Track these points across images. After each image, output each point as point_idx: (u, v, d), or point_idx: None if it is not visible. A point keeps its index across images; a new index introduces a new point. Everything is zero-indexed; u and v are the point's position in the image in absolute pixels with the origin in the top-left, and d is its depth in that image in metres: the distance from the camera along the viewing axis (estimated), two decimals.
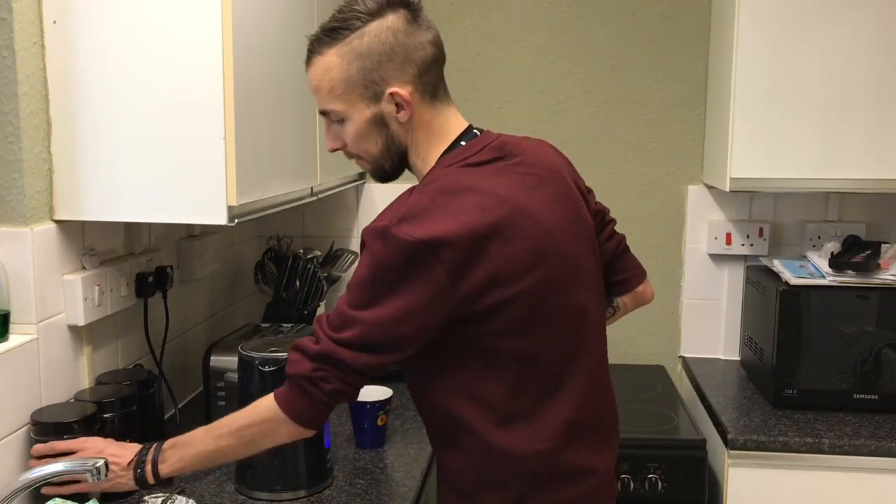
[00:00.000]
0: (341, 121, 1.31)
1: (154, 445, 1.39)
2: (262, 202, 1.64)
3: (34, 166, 1.48)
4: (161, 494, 1.45)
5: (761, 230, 2.44)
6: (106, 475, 1.28)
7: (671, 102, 2.48)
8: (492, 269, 1.20)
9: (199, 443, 1.35)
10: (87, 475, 1.27)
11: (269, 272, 2.37)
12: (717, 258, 2.49)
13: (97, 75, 1.48)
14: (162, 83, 1.47)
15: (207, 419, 1.85)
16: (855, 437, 1.93)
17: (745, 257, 2.46)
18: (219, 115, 1.46)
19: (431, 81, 1.29)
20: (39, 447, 1.42)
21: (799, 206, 2.45)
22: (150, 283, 1.78)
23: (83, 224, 1.60)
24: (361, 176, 2.57)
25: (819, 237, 2.41)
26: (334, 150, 1.37)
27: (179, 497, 1.44)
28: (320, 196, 2.07)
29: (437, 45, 1.30)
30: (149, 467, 1.37)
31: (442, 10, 2.50)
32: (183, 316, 2.06)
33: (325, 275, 2.38)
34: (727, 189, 2.16)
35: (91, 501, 1.41)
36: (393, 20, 1.25)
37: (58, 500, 1.42)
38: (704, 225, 2.48)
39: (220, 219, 1.48)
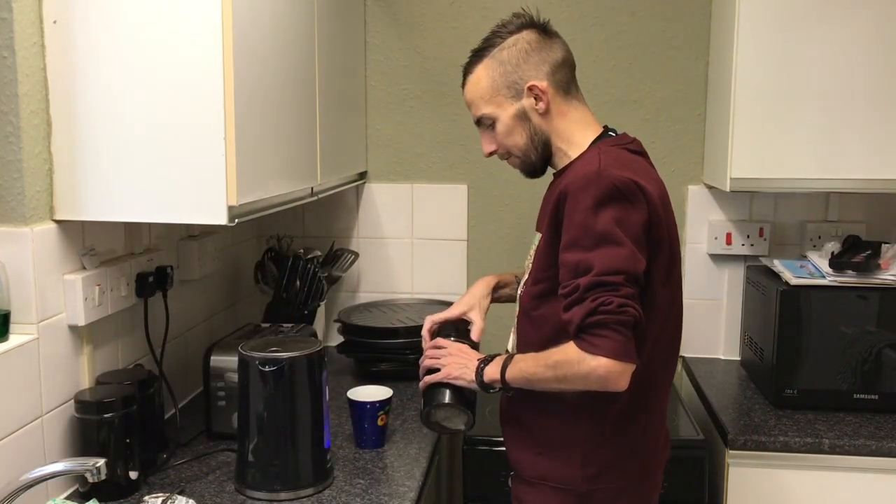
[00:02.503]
0: (492, 124, 1.56)
1: (501, 355, 1.54)
2: (262, 202, 1.64)
3: (34, 166, 1.48)
4: (161, 494, 1.45)
5: (761, 230, 2.44)
6: (106, 475, 1.29)
7: (671, 102, 2.47)
8: (664, 226, 1.44)
9: (525, 362, 1.48)
10: (87, 475, 1.28)
11: (269, 272, 2.37)
12: (717, 258, 2.49)
13: (97, 75, 1.48)
14: (162, 83, 1.47)
15: (207, 419, 1.85)
16: (855, 437, 1.93)
17: (745, 257, 2.46)
18: (219, 116, 1.45)
19: (563, 79, 1.54)
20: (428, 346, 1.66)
21: (799, 206, 2.45)
22: (151, 283, 1.78)
23: (83, 224, 1.60)
24: (361, 176, 2.57)
25: (819, 237, 2.41)
26: (490, 154, 1.61)
27: (179, 497, 1.44)
28: (320, 196, 2.07)
29: (566, 51, 1.57)
30: (492, 368, 1.52)
31: (442, 10, 2.50)
32: (183, 316, 2.06)
33: (326, 275, 2.39)
34: (727, 189, 2.16)
35: (91, 501, 1.41)
36: (527, 34, 1.54)
37: (57, 500, 1.42)
38: (704, 225, 2.48)
39: (220, 219, 1.48)
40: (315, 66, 1.98)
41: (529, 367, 1.46)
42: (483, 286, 1.77)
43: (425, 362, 1.63)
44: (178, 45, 1.45)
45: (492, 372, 1.51)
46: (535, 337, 1.51)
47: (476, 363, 1.55)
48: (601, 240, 1.36)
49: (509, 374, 1.48)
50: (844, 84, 2.08)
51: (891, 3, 2.04)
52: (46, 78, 1.49)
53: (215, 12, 1.43)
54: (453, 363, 1.58)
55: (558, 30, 1.58)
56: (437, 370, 1.59)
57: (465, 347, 1.62)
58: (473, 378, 1.54)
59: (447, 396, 1.58)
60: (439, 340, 1.65)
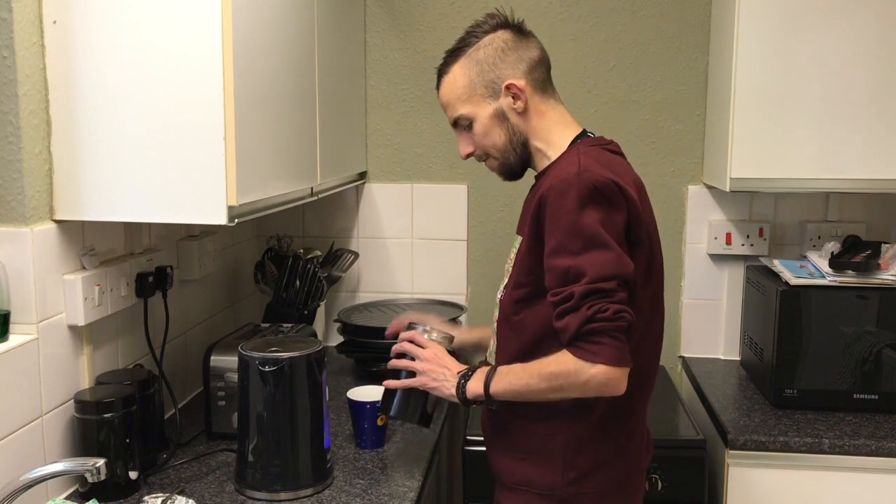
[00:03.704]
0: (469, 125, 1.54)
1: (482, 368, 1.51)
2: (262, 202, 1.64)
3: (34, 166, 1.48)
4: (161, 494, 1.45)
5: (761, 230, 2.44)
6: (105, 475, 1.29)
7: (671, 102, 2.47)
8: (643, 228, 1.42)
9: (514, 375, 1.45)
10: (87, 475, 1.28)
11: (269, 272, 2.37)
12: (717, 258, 2.49)
13: (97, 75, 1.48)
14: (162, 83, 1.47)
15: (207, 419, 1.85)
16: (855, 437, 1.93)
17: (745, 257, 2.46)
18: (219, 116, 1.45)
19: (540, 78, 1.53)
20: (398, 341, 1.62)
21: (799, 206, 2.45)
22: (150, 283, 1.77)
23: (83, 224, 1.60)
24: (361, 176, 2.57)
25: (819, 237, 2.41)
26: (467, 156, 1.59)
27: (179, 497, 1.44)
28: (320, 196, 2.07)
29: (542, 50, 1.55)
30: (474, 383, 1.48)
31: (442, 10, 2.50)
32: (183, 316, 2.06)
33: (325, 275, 2.39)
34: (727, 189, 2.16)
35: (91, 501, 1.41)
36: (502, 33, 1.52)
37: (57, 500, 1.42)
38: (704, 225, 2.48)
39: (220, 219, 1.48)
40: (315, 66, 1.98)
41: (520, 379, 1.43)
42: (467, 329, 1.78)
43: (399, 363, 1.59)
44: (179, 45, 1.45)
45: (474, 387, 1.48)
46: (515, 342, 1.49)
47: (456, 377, 1.51)
48: (588, 243, 1.34)
49: (494, 388, 1.45)
50: (844, 84, 2.08)
51: (891, 3, 2.04)
52: (46, 78, 1.49)
53: (215, 12, 1.43)
54: (430, 371, 1.54)
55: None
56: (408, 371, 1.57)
57: (441, 352, 1.57)
58: (453, 393, 1.50)
59: (420, 415, 1.58)
60: (414, 334, 1.61)
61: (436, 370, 1.54)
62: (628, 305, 1.35)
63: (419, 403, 1.58)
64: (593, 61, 2.47)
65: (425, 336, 1.61)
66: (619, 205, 1.38)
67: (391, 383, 1.59)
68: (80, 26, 1.47)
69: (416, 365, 1.56)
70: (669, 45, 2.45)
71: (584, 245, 1.34)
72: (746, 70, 2.10)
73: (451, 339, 1.64)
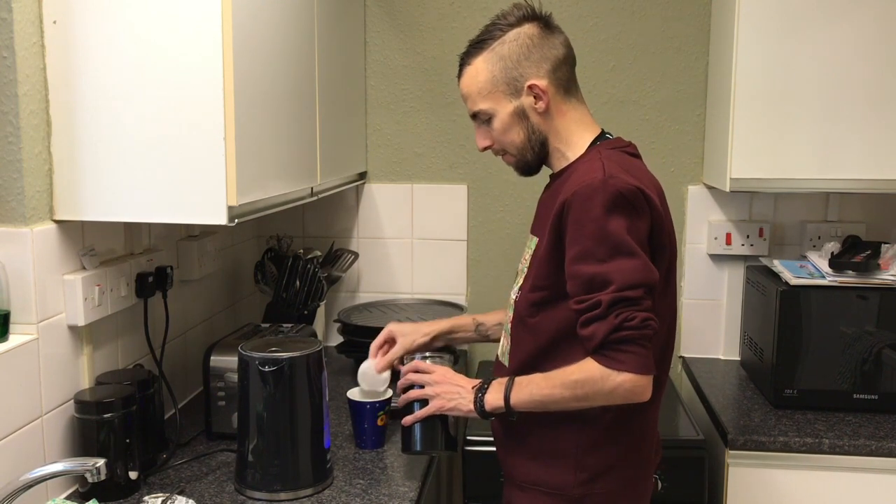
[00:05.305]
0: (489, 120, 1.52)
1: (499, 380, 1.48)
2: (262, 202, 1.64)
3: (34, 166, 1.48)
4: (161, 494, 1.45)
5: (761, 230, 2.44)
6: (106, 475, 1.29)
7: (671, 102, 2.47)
8: (665, 234, 1.42)
9: (535, 385, 1.43)
10: (87, 475, 1.28)
11: (269, 272, 2.37)
12: (717, 258, 2.49)
13: (97, 75, 1.48)
14: (162, 83, 1.47)
15: (207, 419, 1.85)
16: (855, 437, 1.93)
17: (745, 257, 2.46)
18: (219, 116, 1.45)
19: (564, 77, 1.51)
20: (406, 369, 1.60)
21: (799, 206, 2.45)
22: (150, 283, 1.77)
23: (83, 224, 1.60)
24: (361, 176, 2.57)
25: (819, 237, 2.41)
26: (484, 149, 1.57)
27: (179, 497, 1.44)
28: (320, 196, 2.07)
29: (568, 47, 1.53)
30: (493, 396, 1.46)
31: (442, 11, 2.50)
32: (183, 316, 2.06)
33: (325, 275, 2.39)
34: (727, 189, 2.16)
35: (91, 501, 1.41)
36: (528, 28, 1.49)
37: (57, 500, 1.42)
38: (704, 225, 2.48)
39: (220, 219, 1.48)
40: (315, 66, 1.98)
41: (542, 389, 1.41)
42: (428, 328, 1.72)
43: (411, 394, 1.55)
44: (179, 45, 1.45)
45: (493, 399, 1.45)
46: (531, 344, 1.48)
47: (472, 393, 1.48)
48: (615, 250, 1.34)
49: (515, 399, 1.43)
50: (844, 84, 2.08)
51: (891, 3, 2.04)
52: (46, 78, 1.49)
53: (215, 12, 1.43)
54: (443, 393, 1.51)
55: None
56: (421, 399, 1.54)
57: (448, 371, 1.56)
58: (471, 408, 1.47)
59: (446, 440, 1.54)
60: (418, 364, 1.59)
61: (449, 390, 1.51)
62: (655, 313, 1.35)
63: (440, 429, 1.55)
64: (593, 62, 2.47)
65: (427, 361, 1.59)
66: (644, 212, 1.37)
67: (408, 419, 1.55)
68: (80, 26, 1.47)
69: (427, 391, 1.53)
70: (669, 45, 2.45)
71: (611, 252, 1.34)
72: (746, 70, 2.10)
73: (452, 356, 1.64)
